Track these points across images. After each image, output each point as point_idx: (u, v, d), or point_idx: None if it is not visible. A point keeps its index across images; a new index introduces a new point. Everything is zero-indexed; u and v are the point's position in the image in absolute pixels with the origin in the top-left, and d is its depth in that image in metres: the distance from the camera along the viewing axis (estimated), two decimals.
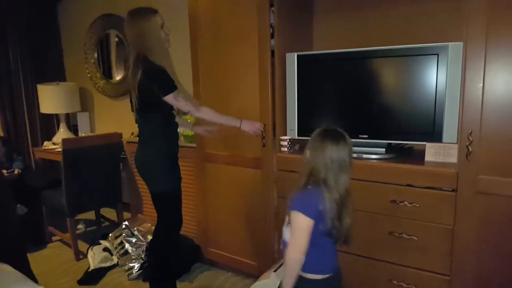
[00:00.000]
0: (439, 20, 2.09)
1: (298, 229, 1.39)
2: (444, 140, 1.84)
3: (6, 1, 3.76)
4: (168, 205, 2.13)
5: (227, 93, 2.42)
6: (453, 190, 1.73)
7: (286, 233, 1.48)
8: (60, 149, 3.34)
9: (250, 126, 2.14)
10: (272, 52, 2.27)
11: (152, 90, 1.87)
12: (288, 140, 2.27)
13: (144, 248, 2.69)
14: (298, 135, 2.27)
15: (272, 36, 2.47)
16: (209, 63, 2.49)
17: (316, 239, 1.40)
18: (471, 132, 1.67)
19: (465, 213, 1.71)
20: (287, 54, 2.22)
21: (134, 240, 2.75)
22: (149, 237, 2.70)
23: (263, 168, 2.31)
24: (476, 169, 1.68)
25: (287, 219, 1.48)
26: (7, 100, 3.89)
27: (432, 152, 1.86)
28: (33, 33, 4.01)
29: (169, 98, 1.90)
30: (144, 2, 3.40)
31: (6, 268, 1.73)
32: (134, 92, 1.89)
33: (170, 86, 1.90)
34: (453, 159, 1.79)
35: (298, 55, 2.19)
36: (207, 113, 2.04)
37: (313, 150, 1.44)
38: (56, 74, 4.19)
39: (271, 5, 2.20)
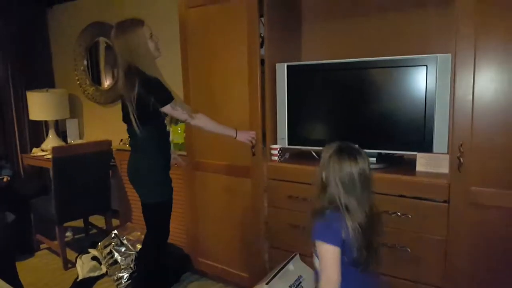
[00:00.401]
0: (430, 29, 2.00)
1: (326, 260, 1.25)
2: (434, 150, 1.76)
3: None
4: (158, 216, 2.03)
5: (217, 102, 2.31)
6: (445, 201, 1.64)
7: (316, 264, 1.36)
8: (49, 156, 3.19)
9: (245, 136, 2.06)
10: (262, 61, 2.17)
11: (149, 101, 1.78)
12: (278, 149, 2.16)
13: (133, 257, 2.54)
14: (288, 144, 2.17)
15: (261, 46, 2.37)
16: (199, 72, 2.38)
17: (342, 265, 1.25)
18: (462, 143, 1.59)
19: (458, 225, 1.62)
20: (277, 64, 2.12)
21: (123, 249, 2.60)
22: (139, 246, 2.55)
23: (253, 177, 2.20)
24: (468, 180, 1.59)
25: (313, 249, 1.36)
26: None
27: (423, 162, 1.77)
28: (23, 40, 3.86)
29: (167, 108, 1.84)
30: (134, 11, 3.27)
31: None
32: (131, 104, 1.79)
33: (168, 96, 1.83)
34: (445, 169, 1.70)
35: (288, 65, 2.10)
36: (203, 121, 1.97)
37: (329, 170, 1.29)
38: (46, 81, 4.02)
39: (261, 16, 2.11)
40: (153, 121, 1.88)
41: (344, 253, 1.26)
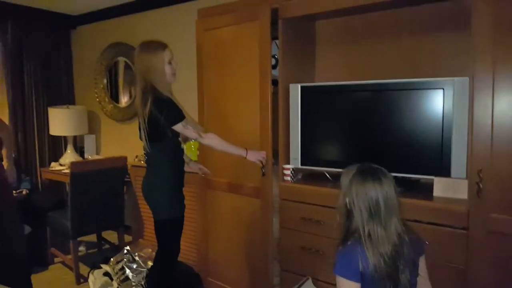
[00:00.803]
0: (446, 52, 1.95)
1: None
2: (452, 175, 1.68)
3: (23, 28, 3.71)
4: (168, 233, 1.99)
5: (230, 121, 2.28)
6: (463, 228, 1.55)
7: None
8: (66, 171, 3.19)
9: (256, 156, 2.00)
10: (276, 82, 2.15)
11: (160, 120, 1.79)
12: (291, 169, 2.10)
13: (144, 274, 2.47)
14: (301, 164, 2.11)
15: (275, 67, 2.35)
16: (213, 91, 2.37)
17: None
18: (481, 169, 1.51)
19: (477, 253, 1.52)
20: (291, 85, 2.08)
21: (135, 266, 2.54)
22: (150, 263, 2.49)
23: (262, 198, 2.13)
24: (488, 207, 1.50)
25: None
26: (20, 122, 3.76)
27: (440, 187, 1.68)
28: (48, 59, 3.94)
29: (178, 127, 1.84)
30: (153, 33, 3.31)
31: None
32: (143, 121, 1.82)
33: (179, 115, 1.83)
34: (463, 195, 1.61)
35: (301, 86, 2.06)
36: (213, 140, 1.94)
37: (352, 194, 1.17)
38: (67, 98, 4.09)
39: (275, 38, 2.10)
40: (164, 138, 1.87)
41: (364, 286, 1.14)
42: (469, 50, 1.57)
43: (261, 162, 2.03)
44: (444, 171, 1.70)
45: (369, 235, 1.14)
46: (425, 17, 1.99)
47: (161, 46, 1.88)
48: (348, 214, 1.20)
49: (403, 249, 1.15)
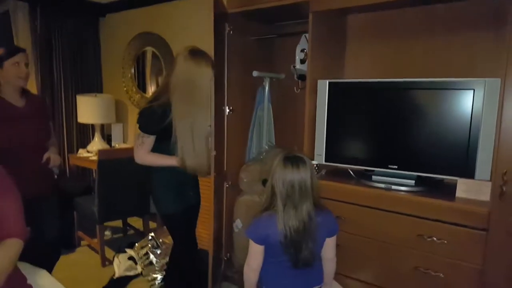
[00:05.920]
0: (478, 53, 2.02)
1: (250, 251, 1.59)
2: (476, 176, 1.78)
3: (51, 15, 3.94)
4: (172, 227, 2.13)
5: None
6: (484, 230, 1.66)
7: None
8: (94, 157, 3.44)
9: None
10: (304, 77, 2.27)
11: None
12: (315, 165, 2.24)
13: (167, 260, 2.70)
14: (325, 161, 2.24)
15: (304, 62, 2.48)
16: None
17: (271, 258, 1.57)
18: (506, 172, 1.61)
19: (495, 254, 1.63)
20: (319, 81, 2.21)
21: (159, 251, 2.77)
22: None
23: None
24: (509, 210, 1.60)
25: None
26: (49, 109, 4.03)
27: (463, 188, 1.79)
28: (76, 47, 4.17)
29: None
30: (181, 23, 3.49)
31: (45, 274, 1.78)
32: None
33: (141, 125, 1.97)
34: (486, 197, 1.72)
35: (329, 82, 2.18)
36: (141, 160, 2.06)
37: (275, 177, 1.50)
38: (95, 86, 4.34)
39: (305, 32, 2.22)
40: (162, 136, 1.98)
41: (272, 248, 1.53)
42: (503, 50, 1.64)
43: None
44: (469, 172, 1.80)
45: (283, 211, 1.48)
46: (460, 15, 2.05)
47: (211, 61, 1.97)
48: (272, 192, 1.53)
49: (310, 226, 1.49)
